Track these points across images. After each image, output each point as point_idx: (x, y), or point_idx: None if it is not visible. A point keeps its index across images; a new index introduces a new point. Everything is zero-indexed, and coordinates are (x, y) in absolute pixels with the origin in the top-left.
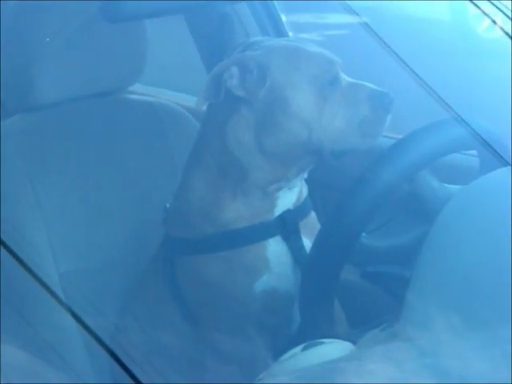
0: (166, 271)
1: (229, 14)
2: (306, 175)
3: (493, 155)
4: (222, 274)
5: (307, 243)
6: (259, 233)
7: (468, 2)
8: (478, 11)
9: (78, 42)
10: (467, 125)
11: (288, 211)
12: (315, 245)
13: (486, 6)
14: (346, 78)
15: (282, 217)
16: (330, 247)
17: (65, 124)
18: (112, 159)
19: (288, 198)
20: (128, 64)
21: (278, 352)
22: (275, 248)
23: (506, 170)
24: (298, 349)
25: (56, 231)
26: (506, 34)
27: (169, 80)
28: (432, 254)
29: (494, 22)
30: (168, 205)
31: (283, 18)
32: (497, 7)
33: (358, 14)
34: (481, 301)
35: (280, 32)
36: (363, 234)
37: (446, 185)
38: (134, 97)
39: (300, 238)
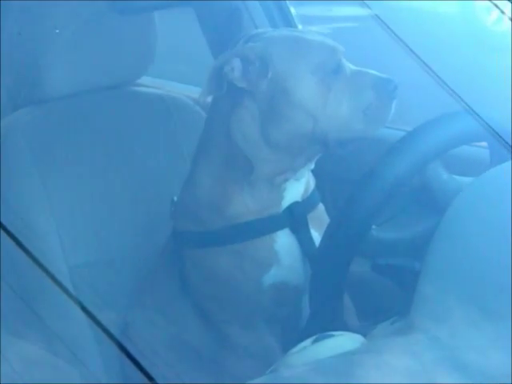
0: (175, 265)
1: (238, 6)
2: (312, 166)
3: (503, 147)
4: (231, 267)
5: (316, 235)
6: (267, 225)
7: None
8: (487, 3)
9: (87, 34)
10: (477, 116)
11: (296, 203)
12: (325, 237)
13: None
14: (349, 66)
15: (290, 209)
16: (339, 239)
17: (74, 117)
18: (121, 152)
19: (295, 190)
20: (137, 56)
21: (287, 345)
22: (284, 240)
23: None
24: (308, 341)
25: (65, 224)
26: None
27: (178, 72)
28: (443, 245)
29: (503, 12)
30: (175, 198)
31: (292, 11)
32: None
33: (368, 7)
34: (493, 292)
35: (289, 24)
36: (373, 226)
37: (457, 177)
38: (144, 89)
39: (308, 231)
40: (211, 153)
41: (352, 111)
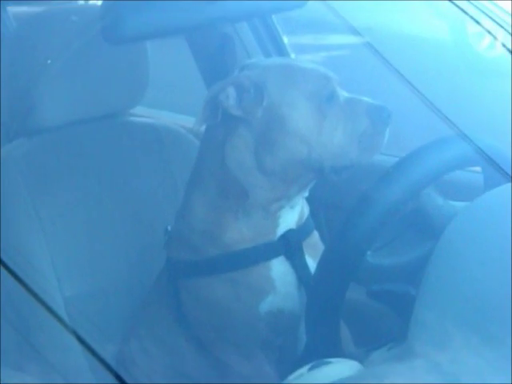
0: (170, 294)
1: (230, 34)
2: (306, 193)
3: (497, 171)
4: (227, 296)
5: (311, 262)
6: (263, 253)
7: (468, 21)
8: (479, 29)
9: (80, 64)
10: (470, 141)
11: (291, 231)
12: (320, 264)
13: (487, 23)
14: (343, 94)
15: (285, 236)
16: (335, 266)
17: (67, 147)
18: (115, 182)
19: (290, 218)
20: (130, 86)
21: (285, 372)
22: (279, 268)
23: (509, 185)
24: (304, 369)
25: (60, 255)
26: (508, 50)
27: (172, 102)
28: (439, 270)
29: (495, 38)
30: (169, 227)
31: (285, 39)
32: (498, 23)
33: (360, 34)
34: (491, 316)
35: (281, 53)
36: (368, 252)
37: (451, 202)
38: (137, 119)
39: (304, 258)
40: (205, 180)
41: (347, 139)
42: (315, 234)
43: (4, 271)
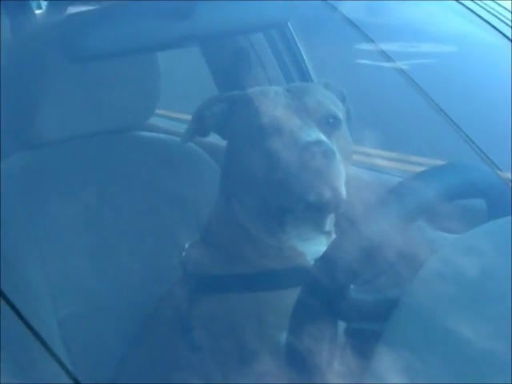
0: (179, 311)
1: (245, 47)
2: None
3: (498, 203)
4: (249, 318)
5: None
6: (292, 278)
7: None
8: None
9: (86, 77)
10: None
11: None
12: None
13: None
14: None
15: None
16: (315, 298)
17: (69, 162)
18: (119, 198)
19: (314, 247)
20: (139, 100)
21: None
22: None
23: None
24: None
25: (56, 273)
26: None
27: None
28: (408, 308)
29: None
30: (187, 245)
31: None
32: None
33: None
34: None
35: (298, 64)
36: (352, 286)
37: (444, 234)
38: (147, 134)
39: None
40: (231, 199)
41: None
42: None
43: None
